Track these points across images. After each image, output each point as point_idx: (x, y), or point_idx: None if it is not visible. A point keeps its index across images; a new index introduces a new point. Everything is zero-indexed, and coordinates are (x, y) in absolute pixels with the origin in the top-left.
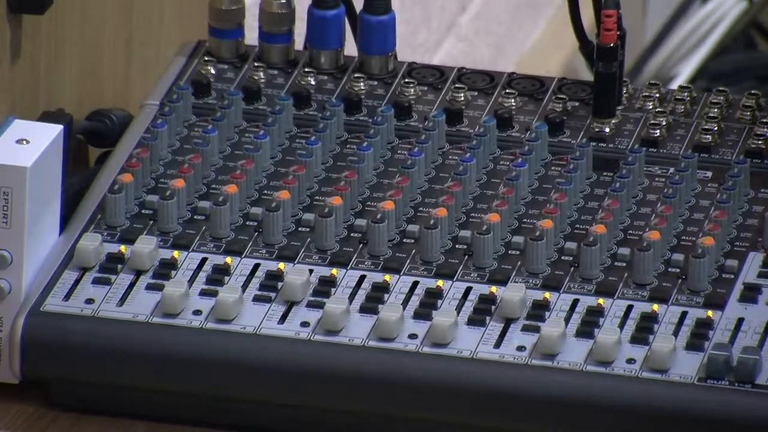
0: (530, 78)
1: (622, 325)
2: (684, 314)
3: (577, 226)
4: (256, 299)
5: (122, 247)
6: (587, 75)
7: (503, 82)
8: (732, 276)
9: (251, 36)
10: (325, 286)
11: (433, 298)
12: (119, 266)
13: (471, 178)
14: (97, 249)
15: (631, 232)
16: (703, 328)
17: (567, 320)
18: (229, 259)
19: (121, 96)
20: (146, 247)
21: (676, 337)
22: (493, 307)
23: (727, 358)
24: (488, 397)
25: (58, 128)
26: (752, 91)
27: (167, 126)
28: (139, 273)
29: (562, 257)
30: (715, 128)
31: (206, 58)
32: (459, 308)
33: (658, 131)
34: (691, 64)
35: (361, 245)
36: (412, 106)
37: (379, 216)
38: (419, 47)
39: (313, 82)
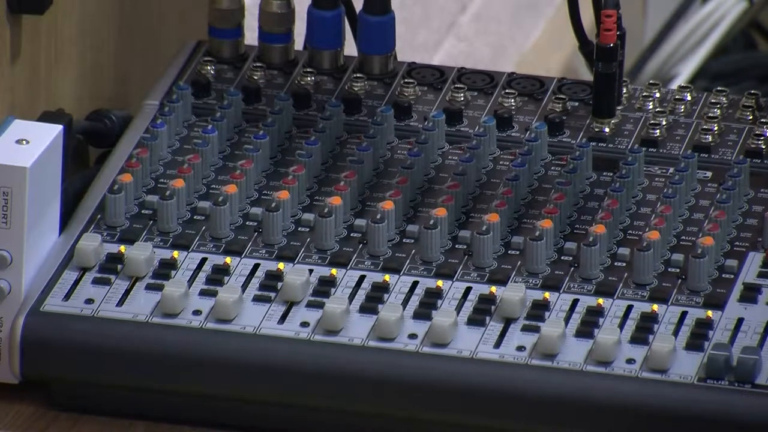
0: (530, 78)
1: (621, 325)
2: (684, 314)
3: (577, 226)
4: (256, 299)
5: (122, 248)
6: (587, 75)
7: (503, 82)
8: (732, 276)
9: (251, 36)
10: (325, 286)
11: (432, 298)
12: (119, 266)
13: (471, 178)
14: (97, 249)
15: (631, 232)
16: (703, 328)
17: (567, 320)
18: (228, 259)
19: (121, 96)
20: (142, 254)
21: (676, 337)
22: (492, 307)
23: (727, 358)
24: (488, 397)
25: (58, 128)
26: (752, 91)
27: (167, 126)
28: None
29: (562, 257)
30: (715, 128)
31: (206, 58)
32: (459, 308)
33: (658, 131)
34: (691, 64)
35: (361, 245)
36: (411, 106)
37: (379, 216)
38: (419, 47)
39: (312, 82)
